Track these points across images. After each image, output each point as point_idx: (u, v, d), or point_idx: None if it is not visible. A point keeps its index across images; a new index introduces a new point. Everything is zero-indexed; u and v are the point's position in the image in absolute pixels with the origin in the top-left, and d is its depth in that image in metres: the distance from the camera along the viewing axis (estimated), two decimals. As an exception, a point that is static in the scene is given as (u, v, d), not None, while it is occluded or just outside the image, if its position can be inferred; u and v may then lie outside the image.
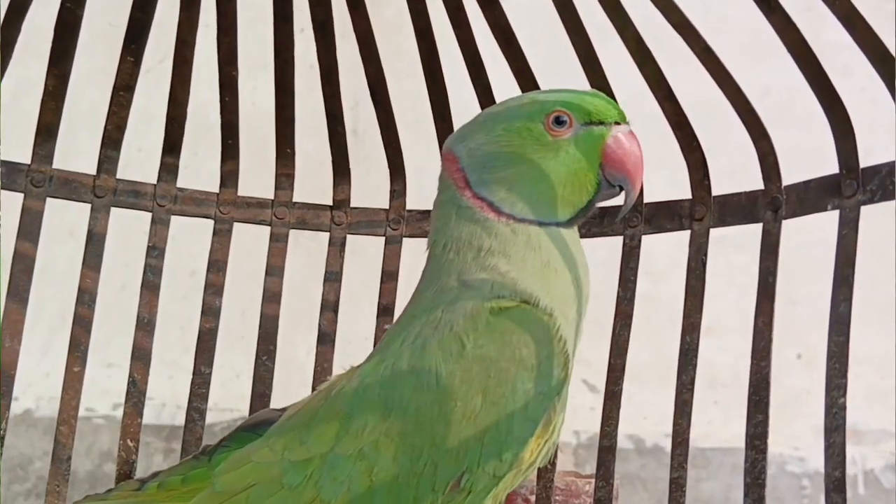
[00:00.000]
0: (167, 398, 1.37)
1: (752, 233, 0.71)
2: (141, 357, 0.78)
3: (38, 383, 1.34)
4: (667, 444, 1.34)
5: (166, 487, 0.56)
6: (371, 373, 0.53)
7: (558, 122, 0.56)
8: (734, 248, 1.19)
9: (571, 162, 0.56)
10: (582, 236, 0.79)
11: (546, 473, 0.76)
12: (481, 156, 0.57)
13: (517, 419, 0.50)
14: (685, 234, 0.75)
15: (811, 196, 0.67)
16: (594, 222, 0.79)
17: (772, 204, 0.70)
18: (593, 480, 0.76)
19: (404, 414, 0.50)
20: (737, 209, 0.72)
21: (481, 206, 0.57)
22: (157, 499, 0.56)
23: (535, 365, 0.51)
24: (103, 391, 1.34)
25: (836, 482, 0.61)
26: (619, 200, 0.78)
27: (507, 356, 0.50)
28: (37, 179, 0.77)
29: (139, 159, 1.07)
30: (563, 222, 0.57)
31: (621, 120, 0.57)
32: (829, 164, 0.66)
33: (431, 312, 0.54)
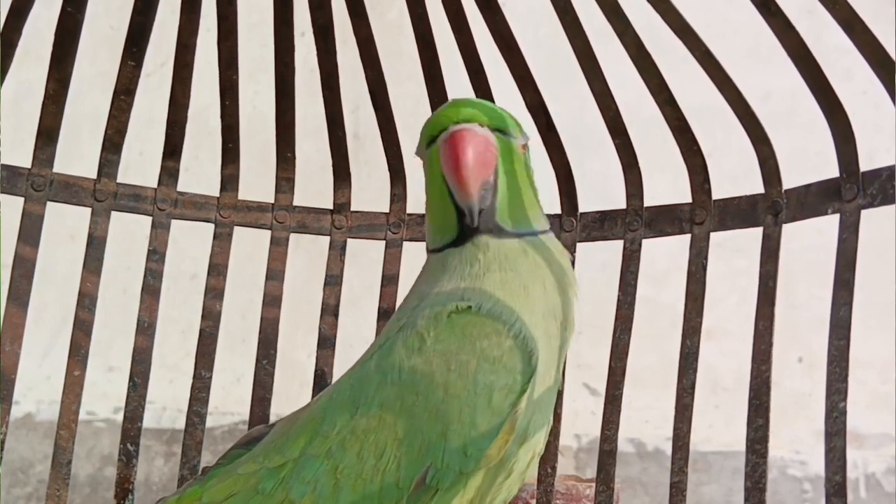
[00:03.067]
0: (168, 402, 1.37)
1: (754, 237, 0.71)
2: (141, 361, 0.78)
3: (38, 387, 1.34)
4: (668, 448, 1.34)
5: None
6: (347, 379, 0.54)
7: (429, 141, 0.57)
8: (735, 252, 1.19)
9: (429, 183, 0.57)
10: (582, 240, 0.79)
11: (547, 477, 0.76)
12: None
13: (480, 412, 0.49)
14: (685, 238, 0.75)
15: (811, 200, 0.67)
16: (594, 226, 0.79)
17: (772, 208, 0.69)
18: (594, 484, 0.76)
19: (368, 411, 0.50)
20: (737, 213, 0.72)
21: None
22: None
23: (496, 357, 0.50)
24: (104, 395, 1.34)
25: (836, 486, 0.60)
26: (608, 204, 0.79)
27: (467, 349, 0.50)
28: (37, 183, 0.77)
29: (140, 163, 1.07)
30: (454, 243, 0.56)
31: (447, 123, 0.54)
32: (831, 168, 0.66)
33: (401, 320, 0.55)
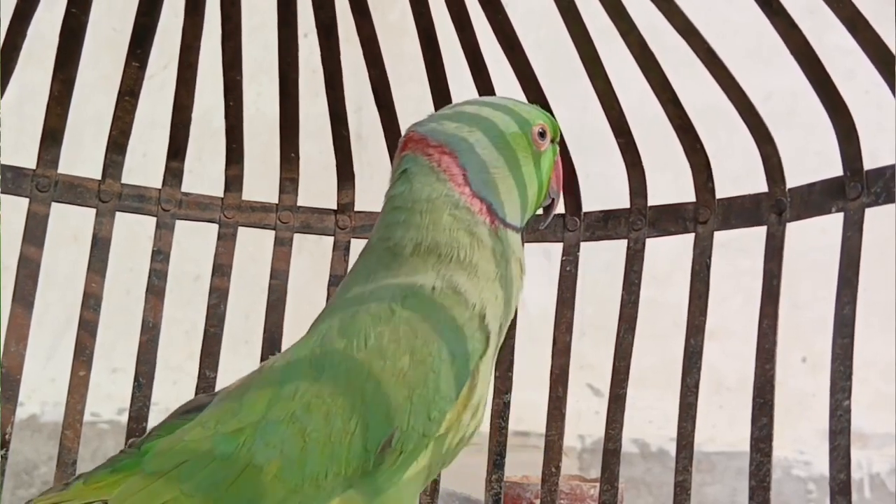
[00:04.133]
0: (172, 403, 1.36)
1: (757, 237, 0.71)
2: (146, 361, 0.78)
3: (42, 388, 1.34)
4: (671, 448, 1.34)
5: (92, 481, 0.54)
6: (302, 345, 0.54)
7: (541, 135, 0.60)
8: (738, 252, 1.18)
9: (542, 174, 0.60)
10: (586, 239, 0.80)
11: (551, 477, 0.76)
12: (481, 156, 0.57)
13: (444, 378, 0.52)
14: (687, 238, 0.75)
15: (815, 198, 0.67)
16: (598, 225, 0.79)
17: (776, 206, 0.70)
18: (598, 484, 0.76)
19: (335, 375, 0.51)
20: (741, 212, 0.72)
21: (480, 209, 0.56)
22: (83, 494, 0.53)
23: (459, 326, 0.53)
24: (108, 396, 1.34)
25: (840, 485, 0.60)
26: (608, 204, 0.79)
27: (433, 317, 0.53)
28: (42, 184, 0.77)
29: (143, 164, 1.08)
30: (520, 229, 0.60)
31: (557, 134, 0.62)
32: (832, 168, 0.66)
33: (361, 292, 0.55)
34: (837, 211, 0.65)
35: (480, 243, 0.56)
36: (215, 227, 0.83)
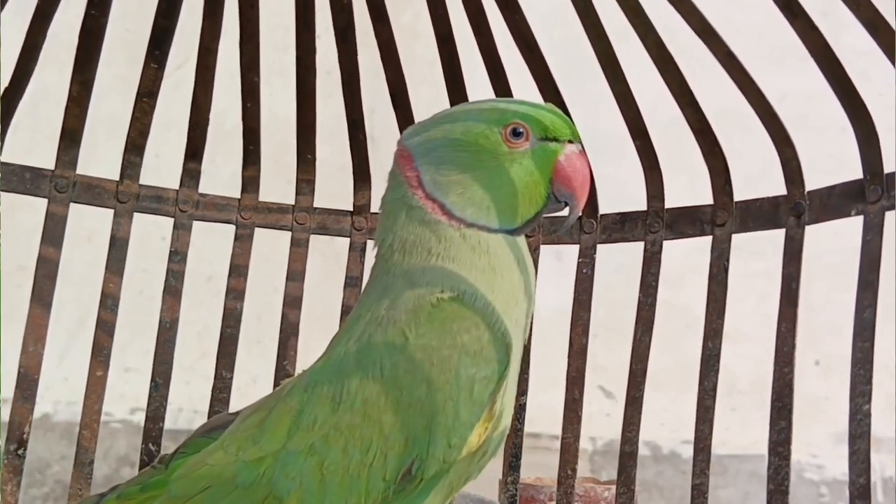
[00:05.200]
0: (184, 403, 1.37)
1: (769, 239, 0.71)
2: (163, 361, 0.78)
3: (56, 387, 1.34)
4: (683, 451, 1.34)
5: (125, 497, 0.56)
6: (320, 370, 0.55)
7: (515, 133, 0.57)
8: (751, 254, 1.18)
9: (524, 174, 0.57)
10: (603, 242, 0.79)
11: (567, 479, 0.76)
12: (436, 157, 0.58)
13: (463, 404, 0.51)
14: (700, 240, 0.75)
15: (835, 201, 0.67)
16: (615, 228, 0.79)
17: (795, 209, 0.70)
18: (611, 486, 0.76)
19: (352, 407, 0.51)
20: (759, 215, 0.72)
21: (433, 209, 0.57)
22: None
23: (476, 350, 0.52)
24: (120, 396, 1.34)
25: (860, 489, 0.60)
26: (620, 207, 0.79)
27: (448, 343, 0.52)
28: (60, 185, 0.78)
29: (156, 165, 1.08)
30: (511, 230, 0.58)
31: (574, 138, 0.58)
32: (844, 172, 0.66)
33: (376, 311, 0.55)
34: (857, 214, 0.65)
35: (450, 240, 0.56)
36: (227, 228, 0.83)
